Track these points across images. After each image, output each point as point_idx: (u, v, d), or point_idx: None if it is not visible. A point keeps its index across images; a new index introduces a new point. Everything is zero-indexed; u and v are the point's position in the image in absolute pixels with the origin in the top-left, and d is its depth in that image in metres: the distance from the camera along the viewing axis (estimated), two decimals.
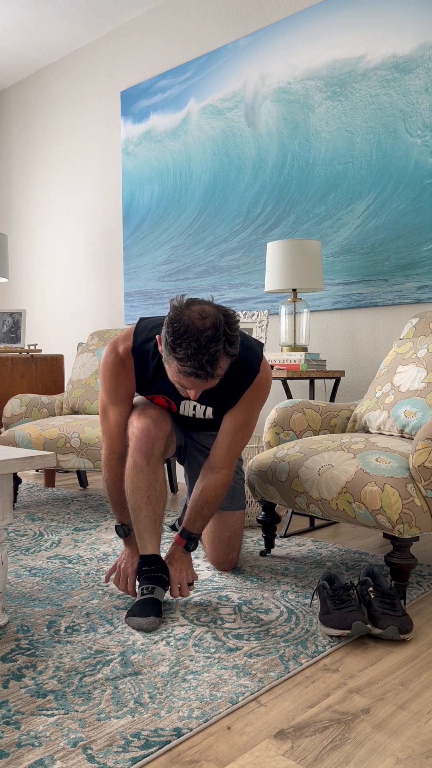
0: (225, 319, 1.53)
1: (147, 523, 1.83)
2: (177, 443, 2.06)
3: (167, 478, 2.00)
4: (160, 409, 1.89)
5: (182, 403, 1.92)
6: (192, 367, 1.51)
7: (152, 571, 1.77)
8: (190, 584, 1.84)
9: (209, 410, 1.92)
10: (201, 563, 2.21)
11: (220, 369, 1.55)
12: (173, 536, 2.56)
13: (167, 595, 1.86)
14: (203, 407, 1.92)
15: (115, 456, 1.89)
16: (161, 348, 1.60)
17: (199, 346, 1.49)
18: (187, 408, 1.94)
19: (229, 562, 2.10)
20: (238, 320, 1.57)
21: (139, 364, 1.80)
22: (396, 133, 2.85)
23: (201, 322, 1.51)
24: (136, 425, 1.83)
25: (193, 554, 2.30)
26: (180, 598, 1.86)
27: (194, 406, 1.93)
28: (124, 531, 1.93)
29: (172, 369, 1.57)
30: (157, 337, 1.67)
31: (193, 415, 1.96)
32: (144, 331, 1.80)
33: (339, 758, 1.13)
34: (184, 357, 1.50)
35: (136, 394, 1.93)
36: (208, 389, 1.82)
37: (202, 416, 1.95)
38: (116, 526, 1.95)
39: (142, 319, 1.84)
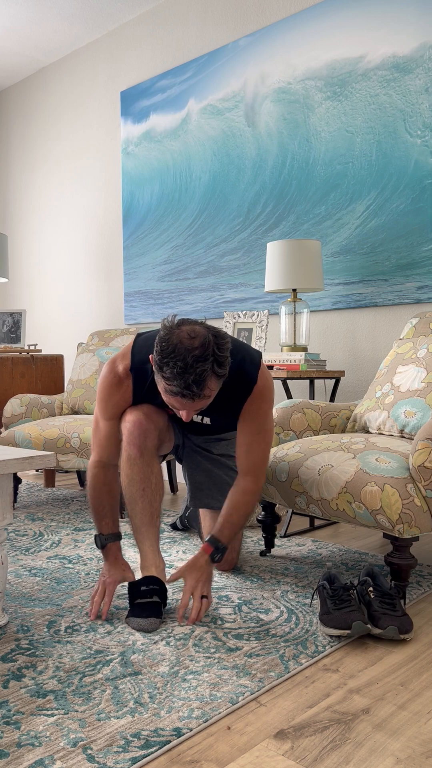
0: (215, 340, 1.51)
1: (144, 516, 1.82)
2: (174, 442, 2.06)
3: (164, 475, 1.98)
4: (154, 406, 1.89)
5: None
6: (178, 386, 1.50)
7: (148, 593, 1.70)
8: (204, 597, 1.71)
9: (208, 422, 1.96)
10: None
11: (208, 390, 1.53)
12: (172, 535, 2.55)
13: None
14: (200, 418, 1.96)
15: (101, 464, 1.86)
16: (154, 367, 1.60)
17: (186, 366, 1.47)
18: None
19: (228, 563, 2.10)
20: (229, 342, 1.55)
21: (137, 383, 1.81)
22: (396, 133, 2.85)
23: (189, 341, 1.49)
24: (128, 419, 1.84)
25: (192, 555, 2.30)
26: (179, 598, 1.85)
27: (191, 419, 1.93)
28: (101, 541, 1.83)
29: (161, 388, 1.57)
30: (150, 356, 1.64)
31: (191, 420, 1.96)
32: (142, 350, 1.79)
33: (339, 758, 1.13)
34: (171, 376, 1.49)
35: None
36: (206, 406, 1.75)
37: (199, 421, 1.98)
38: (94, 536, 1.90)
39: (139, 335, 1.83)
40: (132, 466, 1.83)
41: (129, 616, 1.67)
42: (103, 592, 1.74)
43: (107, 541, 1.84)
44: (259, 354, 1.80)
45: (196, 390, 1.50)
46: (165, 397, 1.58)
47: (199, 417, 1.95)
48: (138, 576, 2.03)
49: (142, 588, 1.72)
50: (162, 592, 1.73)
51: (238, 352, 1.76)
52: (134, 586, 1.72)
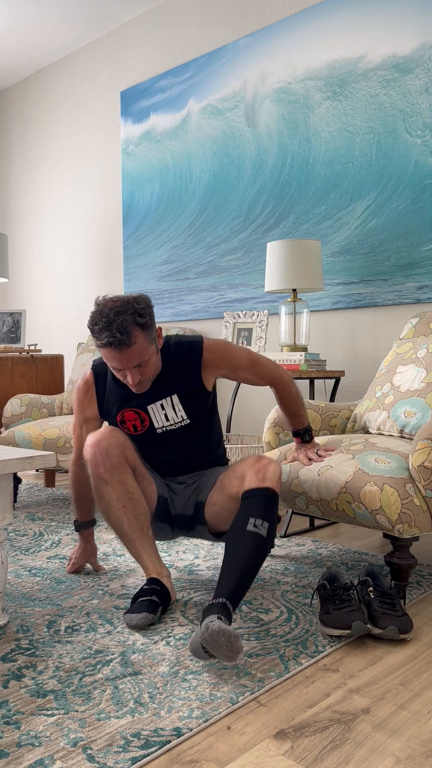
0: (134, 298, 1.73)
1: (133, 531, 1.80)
2: (159, 492, 1.94)
3: (143, 469, 1.94)
4: (113, 427, 1.87)
5: (150, 409, 1.88)
6: (106, 337, 1.68)
7: (148, 592, 1.72)
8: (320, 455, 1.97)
9: (180, 409, 1.87)
10: (201, 563, 2.21)
11: (135, 337, 1.69)
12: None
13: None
14: (170, 401, 1.87)
15: (78, 463, 2.02)
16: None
17: (109, 320, 1.68)
18: (158, 415, 1.88)
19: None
20: (150, 303, 1.76)
21: (98, 378, 1.95)
22: (396, 133, 2.85)
23: (111, 303, 1.72)
24: (87, 443, 1.84)
25: (192, 554, 2.30)
26: (180, 597, 1.86)
27: (161, 405, 1.87)
28: (77, 526, 2.10)
29: (100, 353, 1.78)
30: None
31: (167, 428, 1.89)
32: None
33: (339, 758, 1.13)
34: (98, 332, 1.69)
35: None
36: (165, 383, 1.88)
37: (178, 421, 1.88)
38: (74, 521, 2.14)
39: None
40: (105, 488, 1.80)
41: (125, 614, 1.67)
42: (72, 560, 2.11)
43: (82, 527, 2.09)
44: (200, 335, 1.95)
45: (120, 336, 1.67)
46: (105, 361, 1.77)
47: (172, 409, 1.87)
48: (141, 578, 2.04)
49: (144, 587, 1.74)
50: (162, 593, 1.73)
51: (181, 337, 1.92)
52: (140, 590, 1.75)
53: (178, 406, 1.88)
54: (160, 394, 1.88)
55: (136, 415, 1.90)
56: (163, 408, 1.88)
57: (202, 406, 1.91)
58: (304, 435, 2.05)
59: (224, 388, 3.61)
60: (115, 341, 1.68)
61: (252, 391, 3.45)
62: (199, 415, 1.91)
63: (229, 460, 2.16)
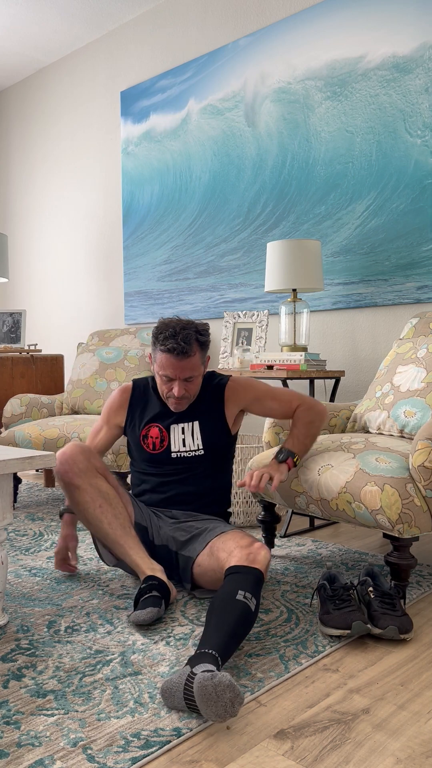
0: (197, 322, 1.93)
1: (115, 529, 1.82)
2: (136, 519, 1.94)
3: (117, 483, 1.94)
4: (79, 442, 1.97)
5: (173, 429, 1.98)
6: (171, 343, 1.84)
7: (147, 589, 1.72)
8: (270, 481, 1.86)
9: (198, 437, 1.96)
10: None
11: (193, 352, 1.87)
12: None
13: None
14: (191, 427, 1.97)
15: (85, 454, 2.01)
16: (150, 361, 1.97)
17: (175, 331, 1.87)
18: (178, 438, 1.97)
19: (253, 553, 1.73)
20: (209, 330, 2.01)
21: (135, 390, 2.07)
22: (396, 133, 2.85)
23: (177, 319, 1.93)
24: (56, 456, 1.88)
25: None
26: (179, 597, 1.85)
27: (182, 429, 1.97)
28: (60, 512, 2.10)
29: (157, 362, 1.91)
30: (148, 357, 2.00)
31: (182, 454, 1.96)
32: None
33: (339, 758, 1.13)
34: (164, 339, 1.86)
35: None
36: (191, 408, 1.99)
37: (194, 449, 1.96)
38: (59, 511, 2.16)
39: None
40: (77, 493, 1.85)
41: (131, 614, 1.67)
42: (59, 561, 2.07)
43: (64, 513, 2.09)
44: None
45: (184, 345, 1.84)
46: (160, 369, 1.89)
47: (191, 434, 1.96)
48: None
49: (142, 586, 1.73)
50: (161, 587, 1.73)
51: (211, 372, 2.09)
52: (138, 591, 1.74)
53: (197, 434, 1.97)
54: (184, 417, 1.99)
55: (158, 433, 1.99)
56: (183, 432, 1.98)
57: (219, 442, 1.99)
58: (285, 454, 1.92)
59: None
60: (178, 348, 1.84)
61: None
62: (214, 450, 1.99)
63: (230, 514, 2.12)
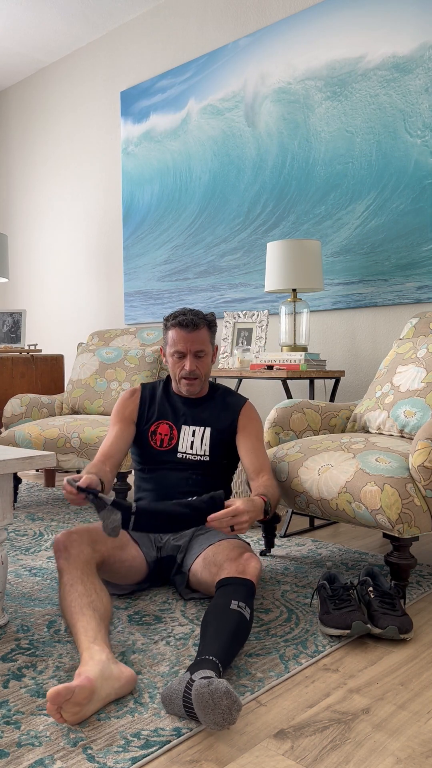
0: (205, 312, 2.00)
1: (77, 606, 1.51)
2: (147, 558, 1.86)
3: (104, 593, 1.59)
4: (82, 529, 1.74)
5: (183, 429, 1.99)
6: (180, 317, 1.94)
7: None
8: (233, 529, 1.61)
9: (206, 443, 1.97)
10: None
11: (202, 326, 1.96)
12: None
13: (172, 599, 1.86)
14: (202, 432, 1.98)
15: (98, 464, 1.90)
16: (162, 355, 2.04)
17: (185, 310, 1.99)
18: (187, 439, 1.98)
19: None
20: (216, 320, 2.06)
21: (145, 389, 2.10)
22: (396, 133, 2.85)
23: (188, 307, 2.09)
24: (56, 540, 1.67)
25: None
26: (181, 598, 1.85)
27: (193, 432, 1.98)
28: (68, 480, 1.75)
29: (168, 342, 1.98)
30: (160, 350, 2.24)
31: (187, 456, 1.96)
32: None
33: (339, 758, 1.13)
34: (173, 317, 1.97)
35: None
36: (205, 414, 2.01)
37: (200, 454, 1.97)
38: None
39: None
40: (63, 577, 1.58)
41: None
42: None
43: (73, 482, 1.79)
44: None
45: (192, 318, 1.94)
46: (172, 346, 1.96)
47: (200, 438, 1.97)
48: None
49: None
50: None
51: (230, 390, 2.12)
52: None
53: (206, 440, 1.99)
54: (197, 421, 2.01)
55: (168, 430, 2.00)
56: (193, 435, 1.99)
57: (224, 454, 2.01)
58: (268, 505, 1.74)
59: None
60: (186, 320, 1.93)
61: (252, 391, 3.45)
62: (219, 461, 2.00)
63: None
